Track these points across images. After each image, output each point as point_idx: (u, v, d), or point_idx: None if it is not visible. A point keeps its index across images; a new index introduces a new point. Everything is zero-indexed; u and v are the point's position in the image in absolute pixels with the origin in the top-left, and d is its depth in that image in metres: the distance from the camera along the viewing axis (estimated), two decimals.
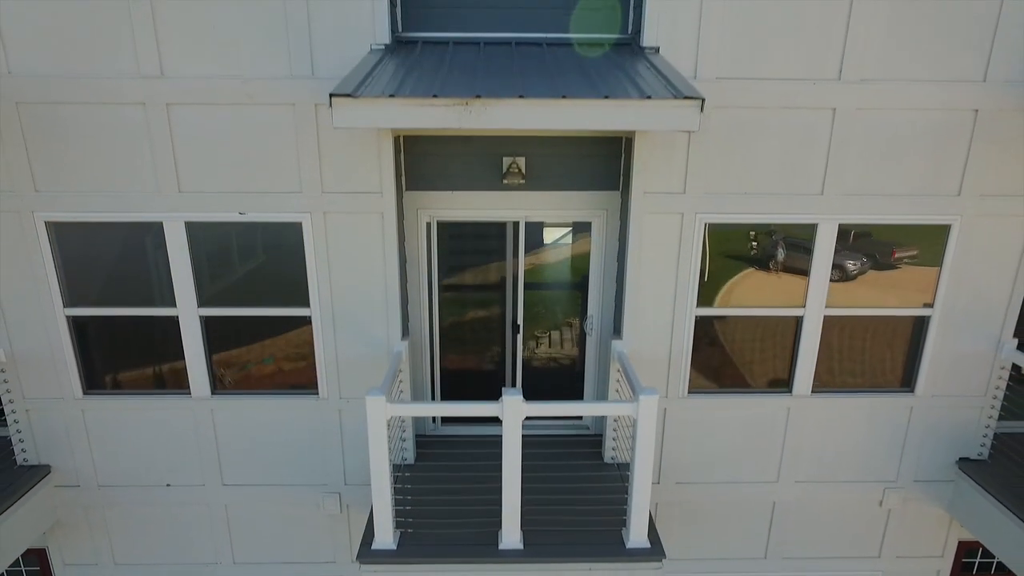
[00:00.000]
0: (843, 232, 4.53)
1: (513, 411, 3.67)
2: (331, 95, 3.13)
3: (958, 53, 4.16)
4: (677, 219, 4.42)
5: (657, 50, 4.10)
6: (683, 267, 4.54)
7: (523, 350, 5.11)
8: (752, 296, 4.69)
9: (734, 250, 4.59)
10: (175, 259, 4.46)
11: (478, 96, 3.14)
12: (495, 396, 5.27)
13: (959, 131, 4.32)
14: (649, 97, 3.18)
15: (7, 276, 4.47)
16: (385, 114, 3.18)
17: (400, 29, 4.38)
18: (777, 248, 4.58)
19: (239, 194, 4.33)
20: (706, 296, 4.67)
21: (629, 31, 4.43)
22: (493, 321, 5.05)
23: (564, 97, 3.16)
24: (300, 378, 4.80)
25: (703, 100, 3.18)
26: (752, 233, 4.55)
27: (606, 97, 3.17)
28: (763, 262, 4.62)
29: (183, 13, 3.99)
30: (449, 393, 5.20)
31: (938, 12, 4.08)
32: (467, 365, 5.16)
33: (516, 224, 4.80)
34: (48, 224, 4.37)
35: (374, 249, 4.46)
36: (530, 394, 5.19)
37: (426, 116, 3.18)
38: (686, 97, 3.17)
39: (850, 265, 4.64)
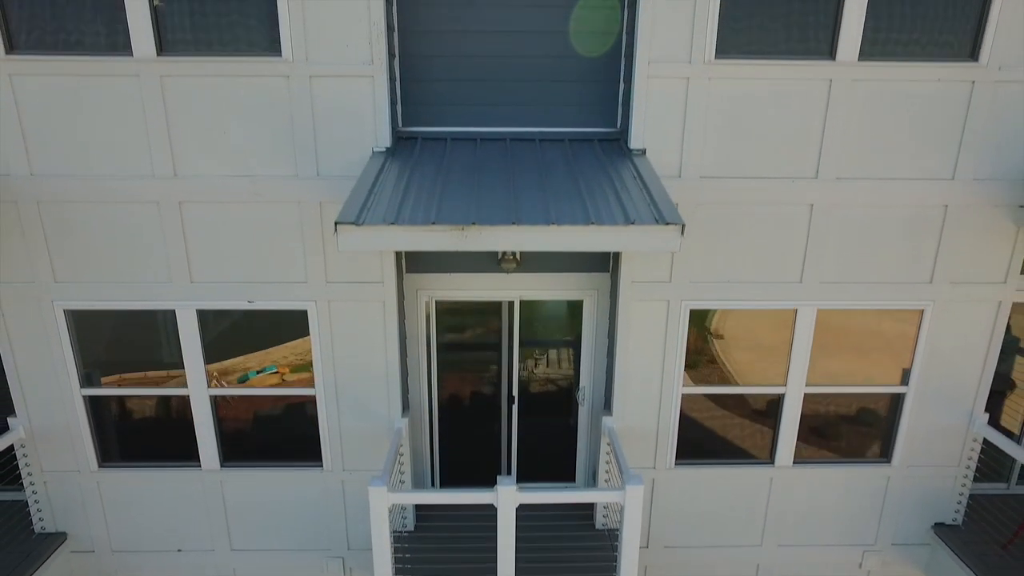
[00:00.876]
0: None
1: (507, 500, 3.90)
2: (336, 223, 3.36)
3: (928, 154, 4.40)
4: (663, 306, 4.66)
5: (644, 152, 4.34)
6: (669, 349, 4.77)
7: (519, 419, 5.35)
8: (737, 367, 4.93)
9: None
10: (186, 343, 4.70)
11: (474, 223, 3.37)
12: (494, 463, 5.53)
13: (930, 224, 4.56)
14: (633, 222, 3.42)
15: (27, 358, 4.70)
16: (387, 239, 3.41)
17: (401, 125, 4.62)
18: None
19: (248, 283, 4.57)
20: (691, 373, 4.91)
21: (618, 126, 4.67)
22: (491, 393, 5.29)
23: (554, 224, 3.39)
24: (304, 451, 5.03)
25: (683, 225, 3.42)
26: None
27: (593, 223, 3.40)
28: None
29: (196, 123, 4.23)
30: (448, 460, 5.44)
31: (908, 117, 4.32)
32: (466, 434, 5.39)
33: (511, 303, 5.04)
34: (66, 312, 4.61)
35: (376, 331, 4.69)
36: (526, 457, 5.44)
37: (426, 241, 3.41)
38: (668, 223, 3.41)
39: None
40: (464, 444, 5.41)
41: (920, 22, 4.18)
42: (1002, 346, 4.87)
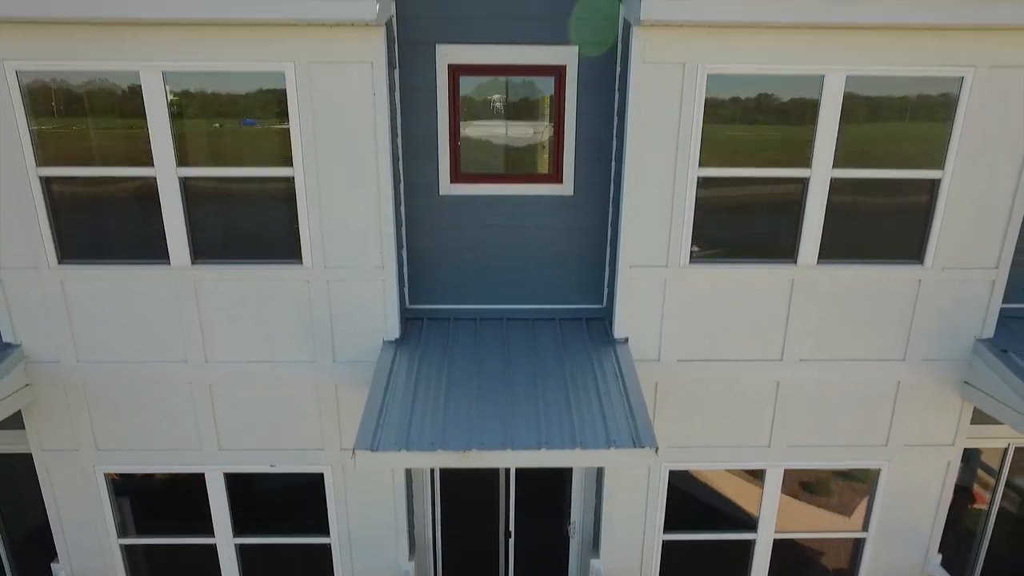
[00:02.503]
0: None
1: None
2: (354, 448, 3.86)
3: (881, 339, 4.91)
4: (645, 470, 5.16)
5: (626, 340, 4.84)
6: (651, 505, 5.28)
7: (515, 553, 5.87)
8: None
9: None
10: (215, 501, 5.20)
11: (473, 448, 3.88)
12: None
13: (885, 397, 5.07)
14: (614, 444, 3.93)
15: (70, 512, 5.20)
16: (398, 462, 3.91)
17: (408, 303, 5.14)
18: None
19: (270, 450, 5.07)
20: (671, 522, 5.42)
21: (604, 303, 5.18)
22: (489, 534, 5.80)
23: (544, 448, 3.90)
24: None
25: (656, 447, 3.92)
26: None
27: (578, 447, 3.91)
28: None
29: (225, 317, 4.73)
30: None
31: (863, 309, 4.83)
32: (468, 567, 5.91)
33: (507, 469, 5.58)
34: (107, 475, 5.11)
35: (386, 491, 5.19)
36: None
37: (432, 461, 3.92)
38: (644, 446, 3.91)
39: None
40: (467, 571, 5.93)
41: (872, 231, 4.69)
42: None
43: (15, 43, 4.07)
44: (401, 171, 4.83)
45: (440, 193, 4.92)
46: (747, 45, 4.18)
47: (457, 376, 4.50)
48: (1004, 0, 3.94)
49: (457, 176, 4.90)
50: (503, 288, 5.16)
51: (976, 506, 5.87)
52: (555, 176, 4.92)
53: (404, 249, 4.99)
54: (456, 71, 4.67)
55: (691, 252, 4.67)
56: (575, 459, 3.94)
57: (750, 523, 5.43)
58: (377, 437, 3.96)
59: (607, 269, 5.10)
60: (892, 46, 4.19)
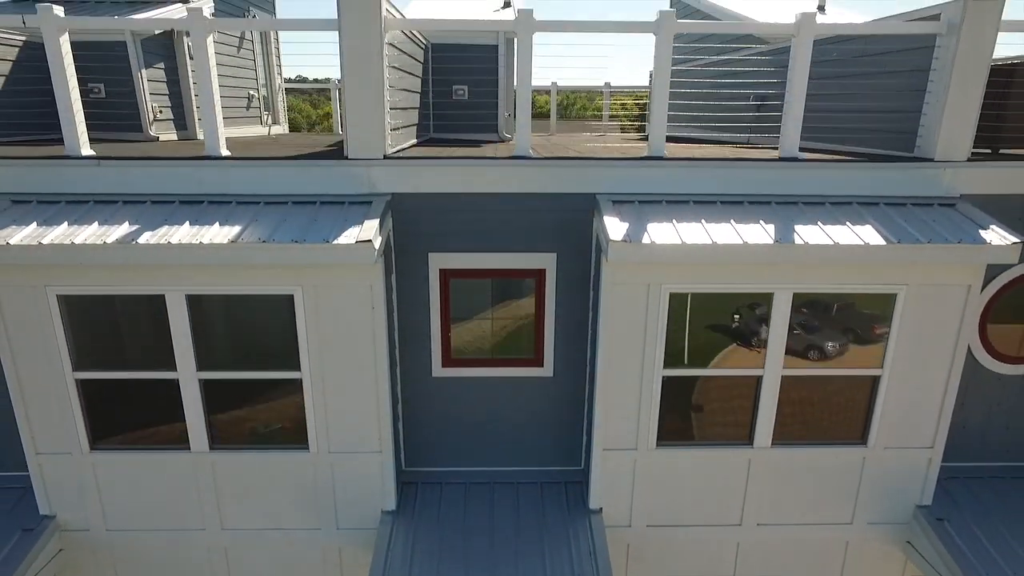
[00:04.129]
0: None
1: None
2: None
3: (831, 506, 5.44)
4: None
5: (600, 510, 5.37)
6: None
7: None
8: None
9: None
10: None
11: None
12: None
13: (835, 555, 5.61)
14: None
15: None
16: None
17: (404, 466, 5.67)
18: None
19: None
20: None
21: (582, 464, 5.72)
22: None
23: None
24: None
25: None
26: None
27: None
28: None
29: (240, 490, 5.25)
30: None
31: (814, 481, 5.35)
32: None
33: None
34: None
35: None
36: None
37: None
38: None
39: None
40: None
41: (821, 418, 5.22)
42: None
43: (57, 274, 4.60)
44: (398, 357, 5.36)
45: (433, 375, 5.46)
46: (705, 272, 4.70)
47: (447, 556, 5.02)
48: (925, 245, 4.47)
49: (448, 361, 5.43)
50: (490, 453, 5.69)
51: None
52: (537, 360, 5.46)
53: (400, 422, 5.52)
54: (446, 274, 5.21)
55: (658, 437, 5.19)
56: None
57: None
58: None
59: (584, 436, 5.63)
60: (836, 271, 4.72)
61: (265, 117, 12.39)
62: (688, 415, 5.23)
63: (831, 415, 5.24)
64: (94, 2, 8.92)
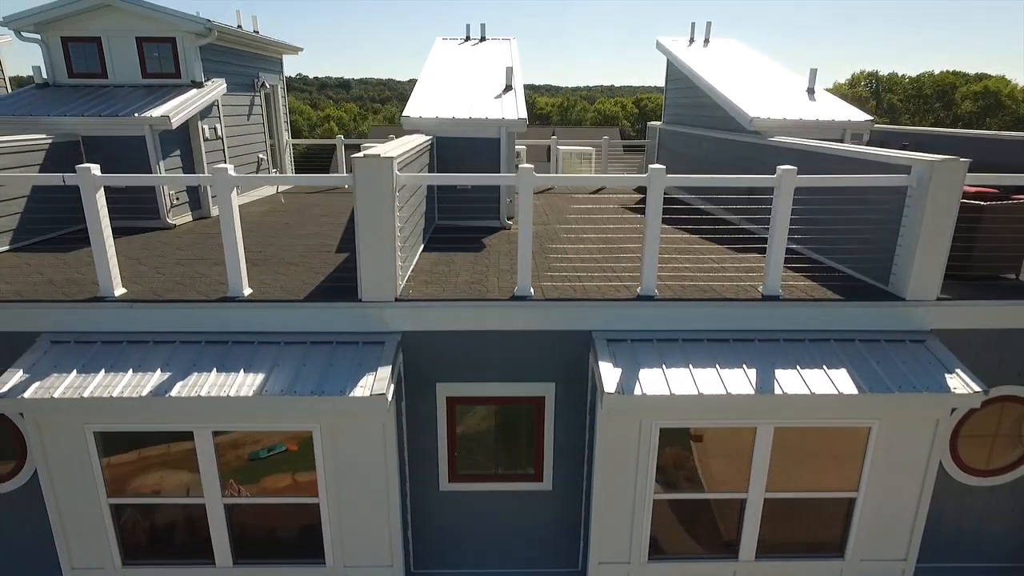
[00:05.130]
0: None
1: None
2: None
3: None
4: None
5: None
6: None
7: None
8: None
9: None
10: None
11: None
12: None
13: None
14: None
15: None
16: None
17: (412, 568, 6.06)
18: None
19: None
20: None
21: (579, 567, 6.11)
22: None
23: None
24: None
25: None
26: None
27: None
28: None
29: None
30: None
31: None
32: None
33: None
34: None
35: None
36: None
37: None
38: None
39: None
40: None
41: (801, 534, 5.61)
42: None
43: (95, 415, 4.98)
44: (407, 473, 5.75)
45: (440, 489, 5.85)
46: (693, 411, 5.09)
47: None
48: (894, 394, 4.86)
49: (454, 476, 5.83)
50: (493, 558, 6.09)
51: None
52: (536, 476, 5.85)
53: (409, 530, 5.92)
54: (453, 402, 5.60)
55: (649, 552, 5.58)
56: None
57: None
58: None
59: (580, 543, 6.02)
60: (815, 410, 5.10)
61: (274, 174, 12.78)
62: (679, 531, 5.61)
63: (810, 532, 5.63)
64: (113, 86, 9.33)
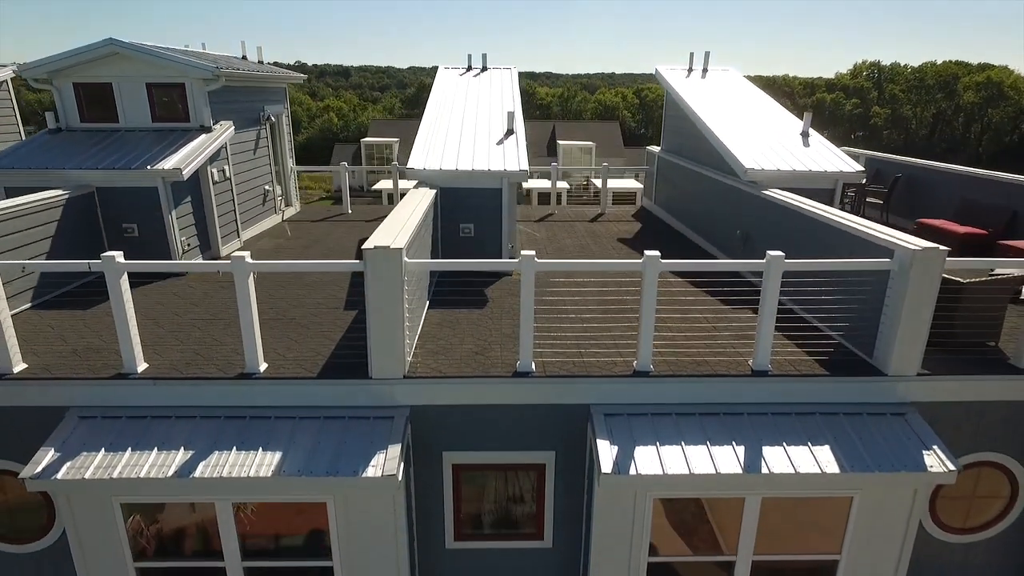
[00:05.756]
0: None
1: None
2: None
3: None
4: None
5: None
6: None
7: None
8: None
9: None
10: None
11: None
12: None
13: None
14: None
15: None
16: None
17: None
18: None
19: None
20: None
21: None
22: None
23: None
24: None
25: None
26: None
27: None
28: None
29: None
30: None
31: None
32: None
33: None
34: None
35: None
36: None
37: None
38: None
39: None
40: None
41: None
42: None
43: (122, 490, 5.29)
44: (415, 533, 6.08)
45: (446, 547, 6.18)
46: (685, 484, 5.40)
47: None
48: (873, 474, 5.17)
49: (460, 535, 6.17)
50: None
51: None
52: (538, 535, 6.18)
53: None
54: (457, 468, 5.92)
55: None
56: None
57: None
58: None
59: None
60: (799, 486, 5.42)
61: (279, 202, 13.04)
62: None
63: None
64: (124, 131, 9.57)
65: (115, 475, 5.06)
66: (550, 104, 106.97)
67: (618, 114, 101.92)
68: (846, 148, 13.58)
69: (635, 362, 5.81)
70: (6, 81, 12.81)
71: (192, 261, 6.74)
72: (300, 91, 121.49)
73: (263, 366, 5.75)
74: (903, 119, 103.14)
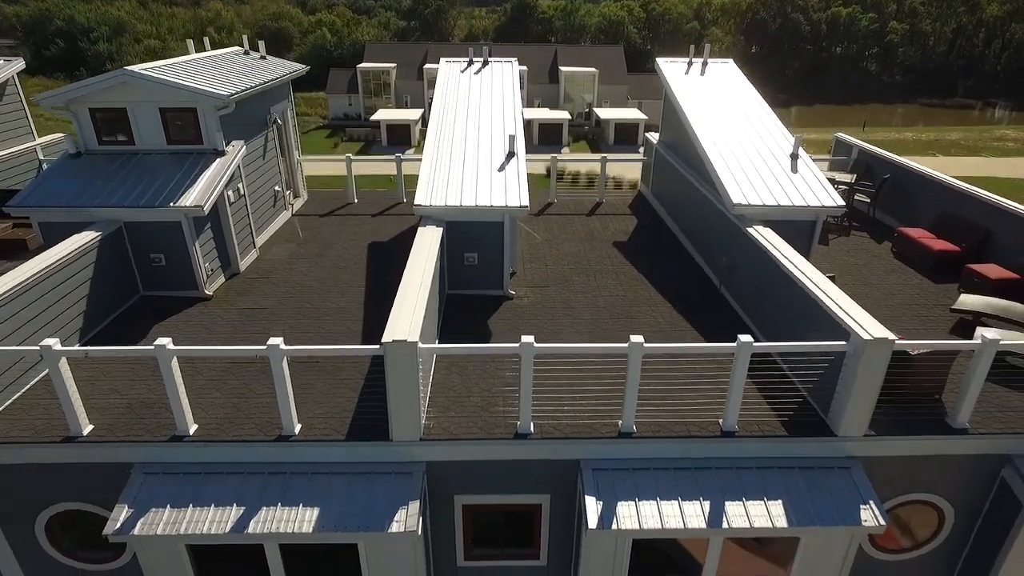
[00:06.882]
0: None
1: None
2: None
3: None
4: None
5: None
6: None
7: None
8: None
9: None
10: None
11: None
12: None
13: None
14: None
15: None
16: None
17: None
18: None
19: None
20: None
21: None
22: None
23: None
24: None
25: None
26: None
27: None
28: None
29: None
30: None
31: None
32: None
33: None
34: None
35: None
36: None
37: None
38: None
39: None
40: None
41: None
42: None
43: (188, 538, 6.31)
44: (431, 555, 7.19)
45: (457, 565, 7.32)
46: (659, 532, 6.41)
47: None
48: (816, 528, 6.16)
49: (468, 556, 7.28)
50: None
51: None
52: (535, 554, 7.30)
53: None
54: (467, 508, 6.94)
55: None
56: None
57: None
58: None
59: None
60: (756, 531, 6.42)
61: (289, 197, 13.55)
62: None
63: None
64: (141, 153, 10.01)
65: (181, 531, 6.06)
66: (552, 18, 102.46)
67: (623, 29, 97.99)
68: (845, 129, 13.94)
69: (620, 423, 6.68)
70: (13, 76, 12.97)
71: (233, 347, 7.42)
72: (290, 3, 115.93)
73: (297, 427, 6.63)
74: (921, 34, 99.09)
